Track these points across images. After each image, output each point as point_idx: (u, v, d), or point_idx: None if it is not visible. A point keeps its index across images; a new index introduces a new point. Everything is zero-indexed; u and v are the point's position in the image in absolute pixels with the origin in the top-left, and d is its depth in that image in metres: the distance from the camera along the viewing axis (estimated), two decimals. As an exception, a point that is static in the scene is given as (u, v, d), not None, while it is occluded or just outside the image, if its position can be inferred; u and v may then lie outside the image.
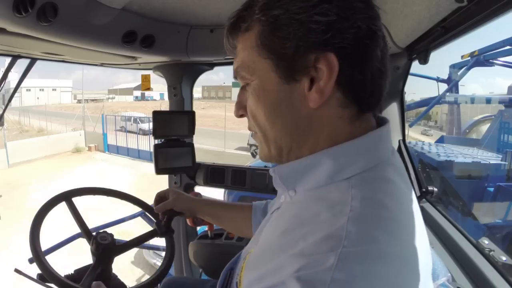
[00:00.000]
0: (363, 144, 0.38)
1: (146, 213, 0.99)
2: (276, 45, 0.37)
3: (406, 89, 1.29)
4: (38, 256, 0.76)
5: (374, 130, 0.39)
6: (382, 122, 0.42)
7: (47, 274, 0.75)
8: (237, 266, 0.52)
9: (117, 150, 12.14)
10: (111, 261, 0.84)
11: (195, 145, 1.51)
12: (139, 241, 0.93)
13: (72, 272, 0.83)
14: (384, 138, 0.41)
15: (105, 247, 0.82)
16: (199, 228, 1.67)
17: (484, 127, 5.36)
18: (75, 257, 1.59)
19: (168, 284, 0.97)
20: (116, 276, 0.88)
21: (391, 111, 1.29)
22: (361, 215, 0.32)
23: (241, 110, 0.45)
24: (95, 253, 0.82)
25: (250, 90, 0.41)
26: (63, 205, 0.91)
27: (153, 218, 0.96)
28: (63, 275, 0.77)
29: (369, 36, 0.36)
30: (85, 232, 0.88)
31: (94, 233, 0.86)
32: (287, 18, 0.36)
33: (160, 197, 0.91)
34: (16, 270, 0.90)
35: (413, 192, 0.43)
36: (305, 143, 0.40)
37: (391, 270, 0.30)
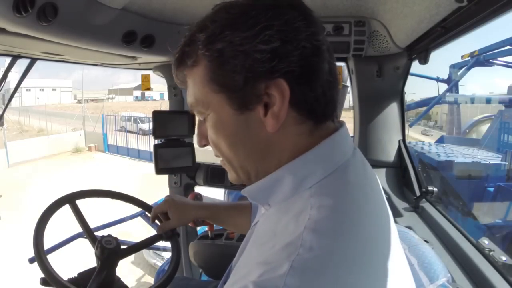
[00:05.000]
0: (318, 154, 0.39)
1: (147, 213, 0.99)
2: (225, 78, 0.37)
3: (406, 89, 1.30)
4: (42, 260, 0.76)
5: (327, 138, 0.40)
6: (340, 126, 0.43)
7: (50, 278, 0.75)
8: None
9: (117, 150, 12.14)
10: (115, 265, 0.84)
11: (195, 145, 1.51)
12: (144, 245, 0.93)
13: (76, 275, 0.83)
14: (339, 143, 0.41)
15: (110, 251, 0.81)
16: (199, 229, 1.67)
17: (484, 127, 5.37)
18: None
19: (172, 284, 0.97)
20: (120, 279, 0.88)
21: (391, 111, 1.29)
22: (316, 223, 0.33)
23: (203, 140, 0.45)
24: (100, 257, 0.81)
25: (209, 123, 0.42)
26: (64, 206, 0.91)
27: (157, 221, 0.96)
28: (66, 279, 0.77)
29: (314, 53, 0.37)
30: (90, 235, 0.88)
31: (98, 236, 0.86)
32: (231, 50, 0.36)
33: (157, 214, 0.88)
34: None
35: (380, 191, 0.44)
36: (270, 163, 0.41)
37: (342, 276, 0.31)
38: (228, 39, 0.36)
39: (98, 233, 0.89)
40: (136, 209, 1.14)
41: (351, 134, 0.80)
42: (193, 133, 1.47)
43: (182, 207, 0.86)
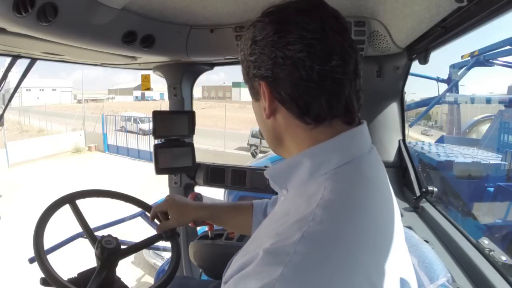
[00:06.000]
0: (336, 143, 0.44)
1: (147, 213, 0.99)
2: (244, 76, 0.50)
3: (406, 89, 1.29)
4: (42, 260, 0.76)
5: (345, 131, 0.45)
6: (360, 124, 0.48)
7: (50, 278, 0.74)
8: None
9: (117, 150, 12.14)
10: (115, 265, 0.84)
11: (195, 145, 1.51)
12: (144, 245, 0.93)
13: (76, 275, 0.83)
14: (357, 137, 0.46)
15: (110, 251, 0.81)
16: (199, 229, 1.67)
17: (484, 127, 5.36)
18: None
19: (172, 284, 0.97)
20: (119, 279, 0.88)
21: (391, 111, 1.29)
22: (328, 201, 0.38)
23: None
24: (100, 257, 0.81)
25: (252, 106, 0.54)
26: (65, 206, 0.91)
27: (156, 221, 0.96)
28: (66, 279, 0.77)
29: (284, 63, 0.43)
30: (90, 235, 0.88)
31: (98, 236, 0.86)
32: (242, 57, 0.49)
33: (157, 213, 0.89)
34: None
35: (390, 188, 0.48)
36: (279, 144, 0.50)
37: (352, 250, 0.35)
38: (242, 50, 0.49)
39: (98, 233, 0.89)
40: (136, 209, 1.14)
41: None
42: (193, 133, 1.47)
43: (182, 207, 0.86)
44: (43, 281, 0.78)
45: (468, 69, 5.30)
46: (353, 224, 0.37)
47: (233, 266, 0.40)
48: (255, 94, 0.49)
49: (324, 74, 0.42)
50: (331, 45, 0.42)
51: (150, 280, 3.84)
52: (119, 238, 0.87)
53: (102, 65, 1.48)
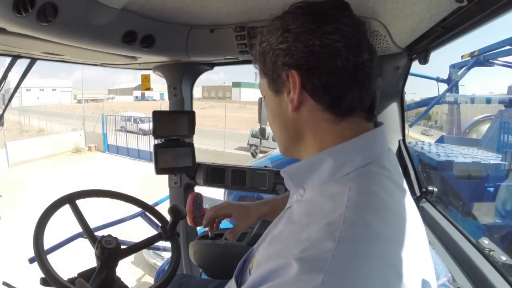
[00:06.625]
0: (359, 143, 0.44)
1: (147, 213, 0.99)
2: (264, 68, 0.49)
3: (406, 89, 1.29)
4: (42, 260, 0.76)
5: (368, 131, 0.45)
6: (378, 125, 0.49)
7: (50, 278, 0.74)
8: (249, 258, 0.55)
9: (117, 150, 12.14)
10: (115, 265, 0.84)
11: (195, 145, 1.51)
12: (144, 245, 0.93)
13: (76, 275, 0.83)
14: (378, 138, 0.46)
15: (110, 251, 0.81)
16: (199, 229, 1.67)
17: (484, 127, 5.36)
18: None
19: (172, 283, 0.97)
20: (119, 279, 0.88)
21: (391, 111, 1.29)
22: (356, 203, 0.38)
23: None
24: (100, 257, 0.81)
25: (264, 104, 0.54)
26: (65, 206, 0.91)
27: (157, 222, 0.96)
28: (66, 279, 0.77)
29: (323, 51, 0.43)
30: (90, 235, 0.88)
31: (98, 236, 0.86)
32: (268, 48, 0.47)
33: (215, 218, 0.89)
34: (4, 283, 0.90)
35: (408, 189, 0.47)
36: (298, 141, 0.49)
37: (384, 249, 0.35)
38: (266, 39, 0.48)
39: (98, 233, 0.89)
40: (136, 209, 1.14)
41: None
42: (193, 133, 1.47)
43: (245, 209, 0.86)
44: (43, 281, 0.78)
45: (468, 69, 5.29)
46: (384, 224, 0.37)
47: (257, 270, 0.38)
48: (278, 86, 0.47)
49: (357, 66, 0.43)
50: (361, 41, 0.45)
51: (150, 280, 3.84)
52: (119, 238, 0.87)
53: (102, 65, 1.48)
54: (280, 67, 0.45)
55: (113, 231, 1.04)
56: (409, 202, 0.45)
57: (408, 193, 0.47)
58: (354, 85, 0.44)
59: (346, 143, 0.44)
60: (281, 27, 0.45)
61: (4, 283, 0.87)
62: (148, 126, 12.69)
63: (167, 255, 3.11)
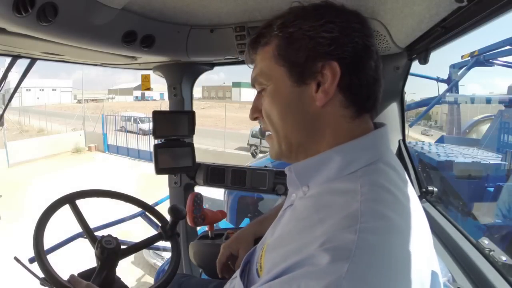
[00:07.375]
0: (366, 142, 0.45)
1: (147, 213, 0.99)
2: (290, 55, 0.46)
3: (406, 89, 1.29)
4: (42, 260, 0.76)
5: (375, 130, 0.47)
6: (380, 126, 0.50)
7: (50, 278, 0.75)
8: (254, 257, 0.55)
9: (117, 150, 12.14)
10: (115, 265, 0.84)
11: (195, 145, 1.51)
12: (144, 245, 0.93)
13: (76, 275, 0.82)
14: (384, 138, 0.48)
15: (110, 251, 0.81)
16: (199, 228, 1.67)
17: (484, 127, 5.37)
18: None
19: (172, 282, 0.97)
20: (119, 279, 0.88)
21: (391, 111, 1.28)
22: (371, 198, 0.38)
23: (256, 113, 0.52)
24: (100, 257, 0.81)
25: (266, 94, 0.49)
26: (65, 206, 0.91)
27: (157, 222, 0.96)
28: (66, 279, 0.77)
29: (364, 50, 0.45)
30: (90, 235, 0.88)
31: (98, 236, 0.86)
32: (300, 34, 0.45)
33: (228, 255, 0.90)
34: (15, 259, 0.92)
35: (411, 186, 0.48)
36: (313, 138, 0.47)
37: (403, 240, 0.36)
38: (299, 26, 0.45)
39: (98, 233, 0.90)
40: (136, 209, 1.14)
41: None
42: (193, 133, 1.47)
43: (245, 238, 0.88)
44: (43, 281, 0.78)
45: (468, 69, 5.30)
46: (399, 217, 0.38)
47: (275, 268, 0.38)
48: (305, 76, 0.45)
49: (379, 69, 0.47)
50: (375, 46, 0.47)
51: (150, 280, 3.84)
52: (119, 238, 0.87)
53: (102, 65, 1.48)
54: (320, 56, 0.44)
55: (113, 231, 1.04)
56: (415, 197, 0.46)
57: (413, 189, 0.47)
58: (379, 87, 0.47)
59: (355, 140, 0.45)
60: (321, 17, 0.44)
61: (15, 259, 0.90)
62: (148, 126, 12.69)
63: (167, 255, 3.11)
